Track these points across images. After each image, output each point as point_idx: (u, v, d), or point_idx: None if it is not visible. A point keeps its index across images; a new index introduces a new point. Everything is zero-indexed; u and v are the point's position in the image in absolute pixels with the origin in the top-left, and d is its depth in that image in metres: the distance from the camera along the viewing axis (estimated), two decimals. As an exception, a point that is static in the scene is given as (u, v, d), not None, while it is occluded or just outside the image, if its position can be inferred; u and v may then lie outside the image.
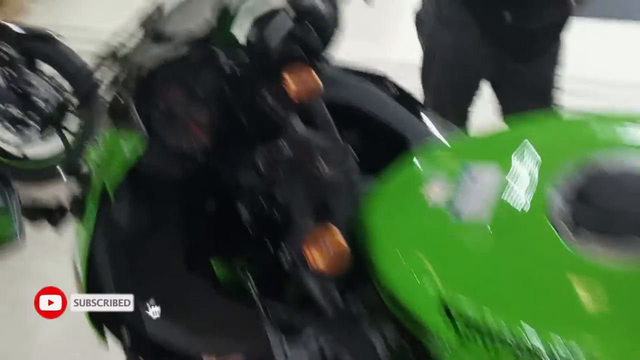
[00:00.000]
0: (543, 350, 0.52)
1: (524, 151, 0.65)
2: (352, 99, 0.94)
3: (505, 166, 0.65)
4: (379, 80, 0.99)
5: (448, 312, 0.58)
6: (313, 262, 0.64)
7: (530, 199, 0.60)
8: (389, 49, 3.34)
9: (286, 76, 0.79)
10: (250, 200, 0.79)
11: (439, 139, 0.91)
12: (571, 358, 0.49)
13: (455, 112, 1.65)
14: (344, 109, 0.90)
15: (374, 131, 0.94)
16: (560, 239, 0.55)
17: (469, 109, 1.67)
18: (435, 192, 0.68)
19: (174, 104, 0.85)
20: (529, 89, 1.56)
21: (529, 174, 0.62)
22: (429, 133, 0.92)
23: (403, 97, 0.98)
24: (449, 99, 1.62)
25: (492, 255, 0.59)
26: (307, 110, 0.80)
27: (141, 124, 0.76)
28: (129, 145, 0.76)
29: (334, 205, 0.73)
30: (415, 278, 0.62)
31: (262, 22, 0.84)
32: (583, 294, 0.52)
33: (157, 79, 0.85)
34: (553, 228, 0.56)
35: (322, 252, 0.64)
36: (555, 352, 0.51)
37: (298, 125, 0.78)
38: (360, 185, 0.78)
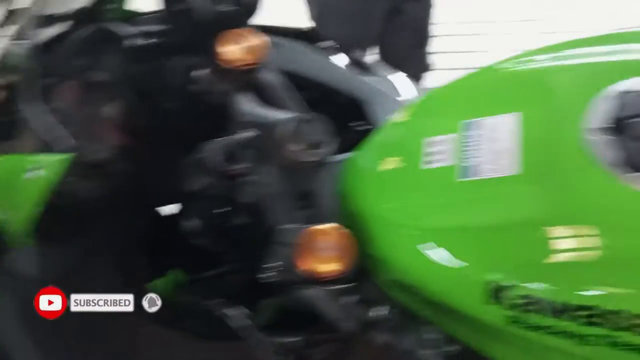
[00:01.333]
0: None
1: (537, 89, 0.55)
2: (290, 63, 0.78)
3: (515, 108, 0.54)
4: (310, 37, 0.83)
5: (496, 295, 0.47)
6: (313, 269, 0.49)
7: (561, 139, 0.49)
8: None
9: (224, 44, 0.61)
10: (202, 207, 0.61)
11: (400, 98, 0.79)
12: None
13: None
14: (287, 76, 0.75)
15: (320, 96, 0.80)
16: (615, 179, 0.45)
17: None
18: (434, 155, 0.56)
19: (72, 102, 0.64)
20: (411, 26, 1.71)
21: (552, 113, 0.52)
22: (385, 93, 0.79)
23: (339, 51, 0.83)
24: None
25: (533, 210, 0.48)
26: (255, 83, 0.63)
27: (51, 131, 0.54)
28: (35, 168, 0.53)
29: (318, 195, 0.58)
30: (443, 262, 0.50)
31: None
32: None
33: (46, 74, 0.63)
34: (601, 168, 0.46)
35: (321, 255, 0.50)
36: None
37: (249, 104, 0.61)
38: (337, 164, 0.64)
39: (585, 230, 0.46)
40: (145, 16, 0.74)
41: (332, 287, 0.50)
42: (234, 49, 0.61)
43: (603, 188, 0.46)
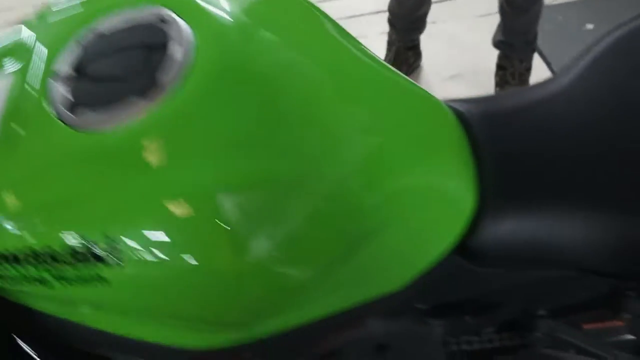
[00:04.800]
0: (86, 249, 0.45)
1: (29, 44, 0.54)
2: None
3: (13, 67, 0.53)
4: None
5: None
6: None
7: (33, 91, 0.50)
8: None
9: None
10: None
11: None
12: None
13: None
14: None
15: None
16: (62, 123, 0.47)
17: None
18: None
19: None
20: None
21: (33, 67, 0.52)
22: None
23: None
24: None
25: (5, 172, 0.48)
26: None
27: None
28: None
29: None
30: None
31: None
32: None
33: None
34: (53, 114, 0.47)
35: None
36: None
37: None
38: None
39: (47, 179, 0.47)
40: None
41: None
42: None
43: (75, 135, 0.47)
